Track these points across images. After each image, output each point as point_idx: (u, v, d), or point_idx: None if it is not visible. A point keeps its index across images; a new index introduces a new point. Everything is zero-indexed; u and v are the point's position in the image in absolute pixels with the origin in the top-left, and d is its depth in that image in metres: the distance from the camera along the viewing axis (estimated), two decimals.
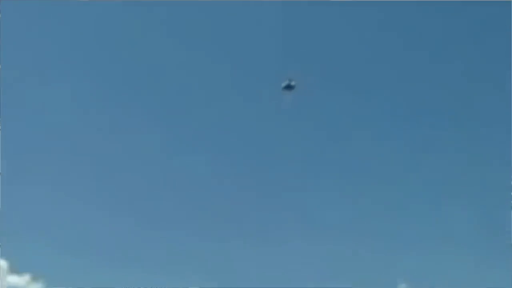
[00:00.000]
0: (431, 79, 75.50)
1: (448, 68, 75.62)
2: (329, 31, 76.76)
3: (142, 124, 73.71)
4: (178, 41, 76.19)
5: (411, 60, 76.73)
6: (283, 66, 66.40)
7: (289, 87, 59.82)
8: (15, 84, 68.75)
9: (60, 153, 71.13)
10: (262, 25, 76.02)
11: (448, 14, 74.89)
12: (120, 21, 76.66)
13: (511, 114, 68.59)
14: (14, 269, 57.50)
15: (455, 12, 74.89)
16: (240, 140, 74.05)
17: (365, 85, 75.00)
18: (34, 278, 60.45)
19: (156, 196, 69.84)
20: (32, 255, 60.85)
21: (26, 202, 64.49)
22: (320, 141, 73.39)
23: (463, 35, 76.86)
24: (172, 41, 76.02)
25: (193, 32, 76.39)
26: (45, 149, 71.19)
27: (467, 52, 76.04)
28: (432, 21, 76.14)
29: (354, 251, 65.42)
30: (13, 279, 58.28)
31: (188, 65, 75.66)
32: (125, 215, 67.53)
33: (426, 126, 73.95)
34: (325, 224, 67.69)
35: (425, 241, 66.54)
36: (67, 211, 66.98)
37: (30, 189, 66.04)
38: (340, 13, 75.83)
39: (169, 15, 76.80)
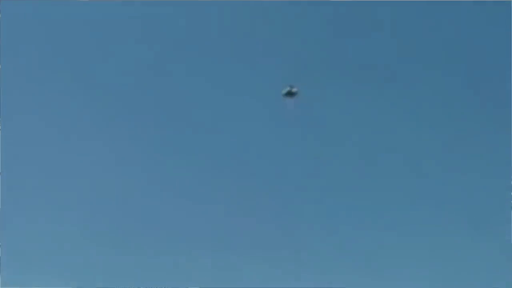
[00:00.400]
0: (431, 81, 75.59)
1: (447, 68, 75.81)
2: (331, 34, 76.48)
3: (142, 126, 73.65)
4: (175, 46, 76.01)
5: (412, 62, 76.65)
6: (283, 71, 65.98)
7: (290, 94, 56.47)
8: (15, 84, 68.91)
9: (57, 156, 71.07)
10: (258, 28, 75.61)
11: (448, 14, 75.10)
12: (121, 21, 76.69)
13: (511, 114, 68.82)
14: None
15: (454, 12, 75.08)
16: (239, 152, 72.79)
17: (371, 89, 74.56)
18: None
19: (154, 207, 69.27)
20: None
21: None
22: (325, 152, 72.07)
23: (462, 35, 76.97)
24: (169, 46, 75.90)
25: (190, 37, 76.15)
26: (42, 150, 71.13)
27: (466, 52, 76.21)
28: (432, 21, 76.35)
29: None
30: None
31: (184, 70, 75.54)
32: (122, 235, 66.71)
33: (427, 127, 74.06)
34: (326, 235, 67.45)
35: (425, 241, 66.73)
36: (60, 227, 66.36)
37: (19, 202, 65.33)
38: (344, 15, 75.66)
39: (165, 23, 76.49)
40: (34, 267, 61.99)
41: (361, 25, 76.42)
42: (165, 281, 61.75)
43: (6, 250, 55.87)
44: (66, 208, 67.44)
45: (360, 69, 74.97)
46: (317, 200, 69.48)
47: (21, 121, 69.67)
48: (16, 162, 64.71)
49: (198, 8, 74.15)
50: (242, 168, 71.66)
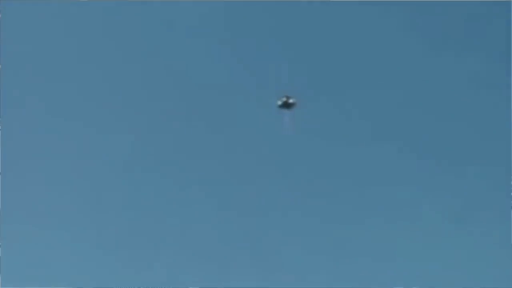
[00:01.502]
0: (430, 81, 75.59)
1: (446, 68, 75.74)
2: (330, 39, 76.08)
3: (141, 129, 73.33)
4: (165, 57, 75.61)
5: (411, 64, 76.43)
6: (279, 80, 65.02)
7: (287, 105, 53.38)
8: (15, 84, 68.89)
9: (57, 156, 70.99)
10: (248, 35, 75.23)
11: (447, 13, 75.07)
12: (121, 21, 76.68)
13: (511, 114, 68.83)
14: None
15: (454, 12, 75.06)
16: (232, 171, 70.95)
17: (372, 98, 74.15)
18: None
19: (154, 209, 69.07)
20: None
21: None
22: (326, 168, 70.78)
23: (462, 35, 76.92)
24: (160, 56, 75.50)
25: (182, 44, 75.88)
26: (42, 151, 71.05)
27: (466, 52, 76.10)
28: (431, 21, 76.28)
29: None
30: None
31: (178, 76, 75.23)
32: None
33: (426, 128, 73.97)
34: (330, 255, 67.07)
35: (424, 240, 66.70)
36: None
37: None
38: (343, 20, 75.45)
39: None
40: (34, 267, 62.10)
41: (361, 27, 76.58)
42: (165, 281, 62.05)
43: (6, 250, 55.96)
44: (67, 208, 67.61)
45: (362, 75, 74.87)
46: (313, 212, 69.13)
47: (21, 120, 69.82)
48: (16, 162, 64.82)
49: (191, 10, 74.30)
50: (235, 182, 71.02)
